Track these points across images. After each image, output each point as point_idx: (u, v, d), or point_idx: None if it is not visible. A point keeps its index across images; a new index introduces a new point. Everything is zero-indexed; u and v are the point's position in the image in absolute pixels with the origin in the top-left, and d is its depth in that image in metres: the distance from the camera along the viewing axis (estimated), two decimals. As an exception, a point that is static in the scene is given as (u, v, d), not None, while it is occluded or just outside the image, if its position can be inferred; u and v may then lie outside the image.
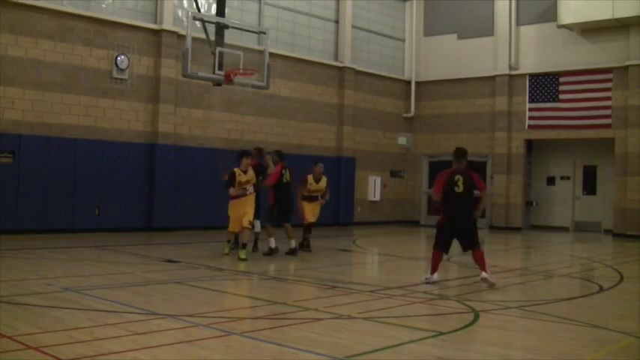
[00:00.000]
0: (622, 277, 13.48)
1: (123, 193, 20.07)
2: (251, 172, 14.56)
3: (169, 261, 13.91)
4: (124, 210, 20.07)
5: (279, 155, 16.46)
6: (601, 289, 11.86)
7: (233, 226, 14.61)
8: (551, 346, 7.53)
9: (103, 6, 20.17)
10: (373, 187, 27.79)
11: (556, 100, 25.98)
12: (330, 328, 8.02)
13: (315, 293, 10.53)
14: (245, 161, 14.44)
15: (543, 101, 26.27)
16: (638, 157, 24.25)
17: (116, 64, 19.98)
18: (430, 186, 29.37)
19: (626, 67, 24.60)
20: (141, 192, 20.49)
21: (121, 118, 20.22)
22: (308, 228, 16.67)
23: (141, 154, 20.54)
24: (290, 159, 24.11)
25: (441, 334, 7.72)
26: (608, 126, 24.96)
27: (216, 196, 21.88)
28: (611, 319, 9.12)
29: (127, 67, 20.21)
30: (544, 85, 26.20)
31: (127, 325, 7.74)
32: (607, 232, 25.52)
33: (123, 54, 20.12)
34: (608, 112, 24.94)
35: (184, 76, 17.40)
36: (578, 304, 10.61)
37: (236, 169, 14.32)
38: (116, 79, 20.07)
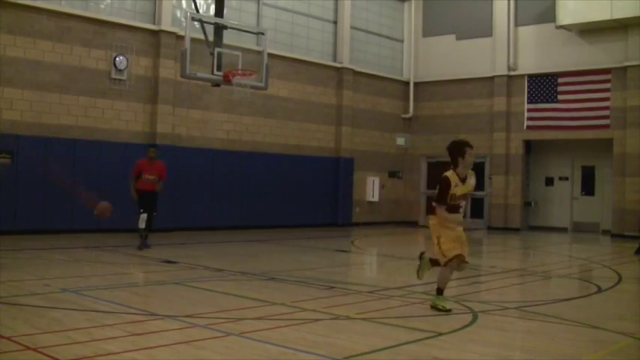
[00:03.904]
0: (620, 278, 13.49)
1: (121, 193, 20.00)
2: None
3: (167, 261, 13.91)
4: (122, 211, 20.00)
5: None
6: (599, 290, 11.86)
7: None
8: (550, 346, 7.53)
9: (102, 6, 20.17)
10: (371, 188, 27.81)
11: (554, 100, 25.99)
12: (329, 329, 8.02)
13: (313, 294, 10.52)
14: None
15: (542, 102, 26.29)
16: (636, 158, 24.27)
17: (114, 64, 19.99)
18: (429, 187, 29.43)
19: (625, 68, 24.62)
20: (139, 192, 20.45)
21: (119, 119, 20.23)
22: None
23: (139, 154, 20.46)
24: (289, 159, 24.34)
25: (440, 334, 7.72)
26: (606, 126, 24.98)
27: (215, 196, 21.97)
28: (610, 319, 9.12)
29: (126, 67, 20.21)
30: (542, 86, 26.22)
31: (125, 325, 7.74)
32: (605, 232, 25.54)
33: (121, 54, 20.12)
34: (606, 112, 24.96)
35: (183, 76, 17.43)
36: (576, 304, 10.60)
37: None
38: (114, 79, 20.07)
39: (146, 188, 16.10)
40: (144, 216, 15.92)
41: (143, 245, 15.96)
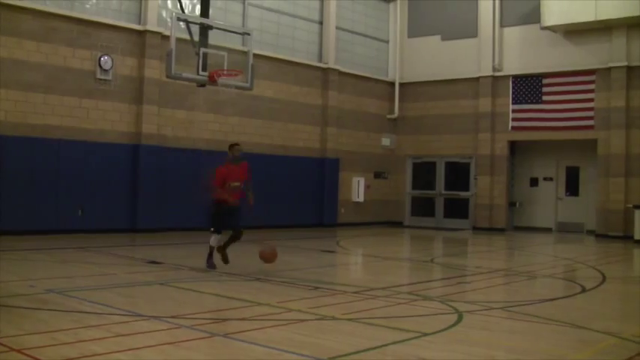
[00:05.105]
0: (604, 278, 13.57)
1: (107, 194, 20.01)
2: None
3: (153, 262, 13.88)
4: (107, 211, 20.01)
5: None
6: (584, 290, 11.93)
7: None
8: (535, 346, 7.57)
9: (87, 6, 20.09)
10: (357, 188, 27.82)
11: (539, 101, 26.10)
12: (314, 329, 8.03)
13: (298, 294, 10.53)
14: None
15: (526, 102, 26.39)
16: (620, 159, 24.42)
17: (100, 64, 19.92)
18: (414, 187, 29.50)
19: (609, 69, 24.75)
20: (125, 193, 20.43)
21: (104, 119, 20.16)
22: None
23: (124, 155, 20.49)
24: (275, 160, 24.33)
25: (425, 334, 7.75)
26: (590, 127, 25.10)
27: (201, 197, 21.91)
28: (594, 319, 9.17)
29: (111, 67, 20.15)
30: (527, 87, 26.32)
31: (110, 326, 7.72)
32: (589, 232, 25.68)
33: (106, 54, 20.06)
34: (590, 113, 25.08)
35: (168, 77, 17.38)
36: (561, 304, 10.66)
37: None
38: (100, 79, 20.00)
39: (229, 200, 12.76)
40: (218, 237, 12.95)
41: (211, 264, 12.98)
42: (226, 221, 12.87)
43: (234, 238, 13.01)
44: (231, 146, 13.34)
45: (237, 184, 12.93)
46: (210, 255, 13.01)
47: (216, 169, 12.92)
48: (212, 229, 12.95)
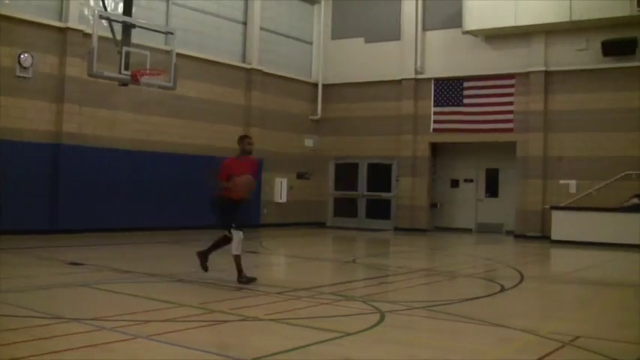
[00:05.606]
0: (522, 277, 13.87)
1: (26, 193, 19.57)
2: None
3: (73, 263, 13.66)
4: (26, 211, 19.58)
5: None
6: (503, 289, 12.17)
7: None
8: (456, 344, 7.70)
9: (6, 2, 19.64)
10: (280, 189, 27.82)
11: (460, 104, 26.48)
12: (237, 330, 8.03)
13: (221, 295, 10.50)
14: None
15: (448, 105, 26.74)
16: (538, 161, 24.99)
17: (19, 62, 19.50)
18: (337, 188, 29.64)
19: (528, 73, 25.31)
20: (45, 193, 20.02)
21: (24, 118, 19.71)
22: None
23: (45, 154, 20.07)
24: (198, 160, 24.17)
25: (348, 334, 7.80)
26: (510, 130, 25.56)
27: (123, 197, 21.68)
28: (513, 317, 9.37)
29: (31, 65, 19.74)
30: (448, 90, 26.68)
31: (29, 329, 7.58)
32: (508, 233, 26.21)
33: (26, 52, 19.65)
34: (510, 116, 25.53)
35: (90, 75, 17.11)
36: (481, 303, 10.85)
37: None
38: (19, 77, 19.58)
39: (235, 195, 11.86)
40: (240, 236, 11.96)
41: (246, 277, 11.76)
42: (232, 217, 11.89)
43: (227, 240, 12.15)
44: (241, 138, 12.30)
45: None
46: (240, 269, 11.79)
47: (220, 164, 12.11)
48: (229, 229, 11.91)
